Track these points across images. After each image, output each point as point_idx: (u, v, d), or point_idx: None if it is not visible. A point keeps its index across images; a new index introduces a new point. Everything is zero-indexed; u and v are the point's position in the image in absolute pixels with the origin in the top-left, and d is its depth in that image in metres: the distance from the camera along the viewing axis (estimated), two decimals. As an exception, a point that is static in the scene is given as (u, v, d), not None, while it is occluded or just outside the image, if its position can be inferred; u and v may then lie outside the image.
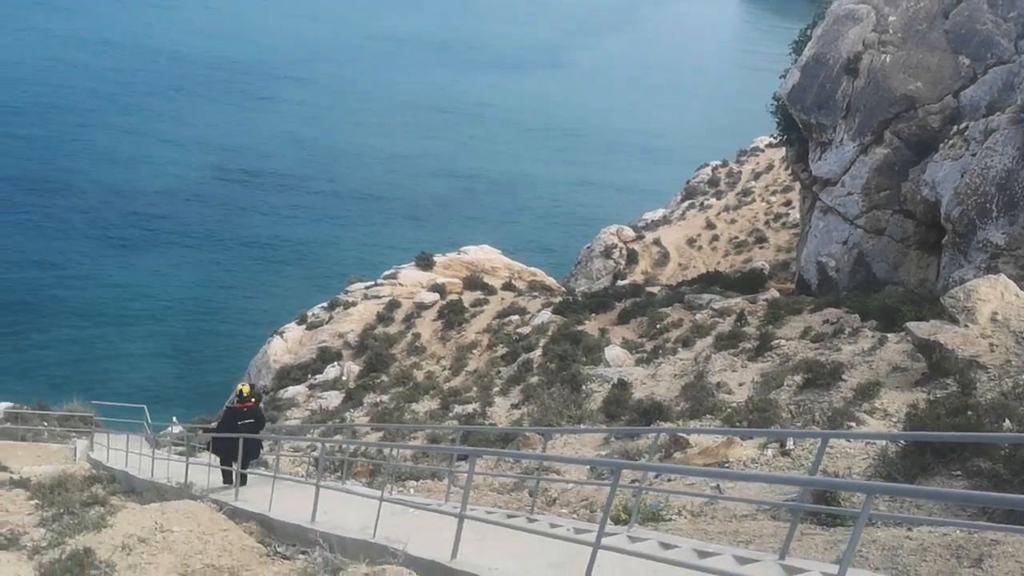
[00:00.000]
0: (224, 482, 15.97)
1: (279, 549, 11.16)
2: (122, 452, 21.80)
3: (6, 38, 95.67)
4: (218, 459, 16.37)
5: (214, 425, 17.93)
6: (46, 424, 28.48)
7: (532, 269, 41.01)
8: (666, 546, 8.67)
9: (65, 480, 19.05)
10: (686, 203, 58.76)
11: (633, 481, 13.38)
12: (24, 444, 25.40)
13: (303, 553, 10.86)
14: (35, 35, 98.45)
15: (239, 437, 15.07)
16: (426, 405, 27.86)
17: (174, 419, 29.66)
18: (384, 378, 31.69)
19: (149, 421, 25.65)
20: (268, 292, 58.23)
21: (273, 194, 74.11)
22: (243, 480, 15.52)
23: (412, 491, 15.21)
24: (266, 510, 12.68)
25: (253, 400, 16.44)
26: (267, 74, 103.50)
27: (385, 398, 29.60)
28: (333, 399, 31.13)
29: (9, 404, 30.27)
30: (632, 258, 46.71)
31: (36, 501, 16.91)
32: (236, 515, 12.78)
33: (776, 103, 32.24)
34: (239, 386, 16.88)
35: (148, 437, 24.77)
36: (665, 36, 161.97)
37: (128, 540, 10.30)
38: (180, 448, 23.38)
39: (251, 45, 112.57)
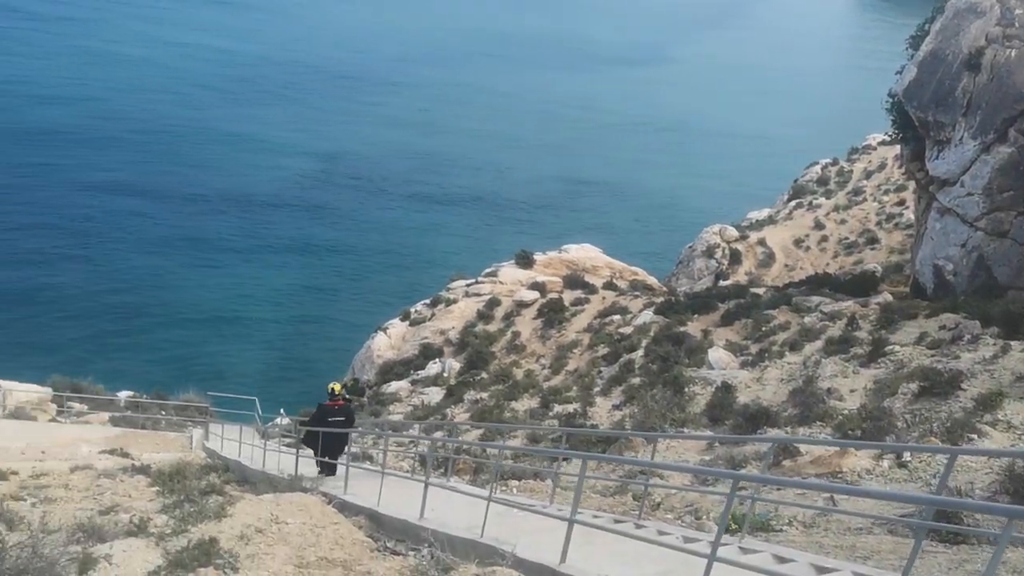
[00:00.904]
0: (320, 472, 16.86)
1: (388, 544, 11.34)
2: (235, 442, 22.53)
3: (120, 48, 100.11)
4: (310, 451, 17.32)
5: (308, 420, 18.65)
6: (163, 413, 29.74)
7: (633, 268, 40.65)
8: (781, 559, 8.45)
9: (183, 468, 19.85)
10: (793, 202, 57.26)
11: (742, 489, 13.11)
12: (144, 432, 26.54)
13: (412, 550, 11.01)
14: (142, 44, 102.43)
15: (329, 432, 16.07)
16: (525, 403, 27.94)
17: (281, 411, 30.52)
18: (484, 375, 31.95)
19: (260, 413, 26.47)
20: (372, 290, 59.49)
21: (377, 196, 75.57)
22: (332, 471, 16.52)
23: (515, 491, 15.26)
24: (375, 505, 12.90)
25: (343, 398, 17.06)
26: (373, 78, 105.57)
27: (485, 395, 29.84)
28: (434, 395, 31.56)
29: (129, 393, 31.72)
30: (735, 258, 45.80)
31: (157, 488, 17.69)
32: (345, 508, 13.04)
33: (891, 100, 31.05)
34: (330, 385, 17.41)
35: (259, 428, 25.56)
36: (773, 32, 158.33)
37: (246, 530, 10.63)
38: (288, 440, 24.07)
39: (356, 49, 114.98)
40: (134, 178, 70.17)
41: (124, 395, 31.18)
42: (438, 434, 23.66)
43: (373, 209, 72.94)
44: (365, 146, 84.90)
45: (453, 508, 12.42)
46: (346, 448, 17.68)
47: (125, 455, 23.06)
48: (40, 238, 58.41)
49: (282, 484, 15.82)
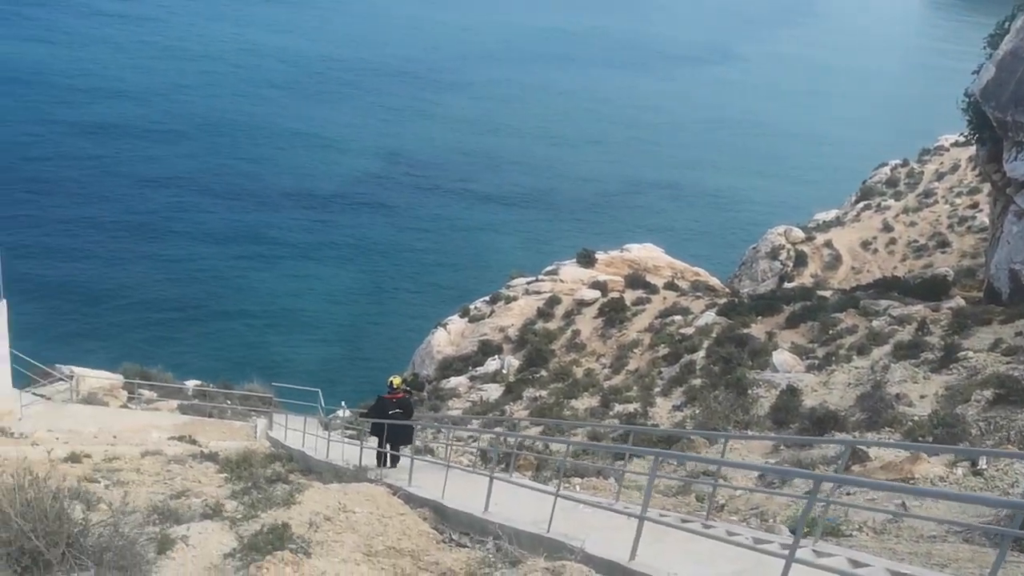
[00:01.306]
0: (377, 463, 17.20)
1: (453, 536, 11.41)
2: (298, 433, 22.89)
3: (187, 45, 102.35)
4: (375, 440, 17.64)
5: (366, 410, 19.22)
6: (228, 402, 30.33)
7: (695, 269, 40.27)
8: (856, 563, 8.28)
9: (249, 456, 20.25)
10: (861, 204, 56.07)
11: (807, 493, 12.89)
12: (210, 420, 27.12)
13: (477, 542, 11.05)
14: (208, 42, 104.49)
15: (391, 423, 16.53)
16: (585, 402, 27.90)
17: (343, 403, 30.86)
18: (543, 373, 31.96)
19: (323, 405, 26.83)
20: (431, 286, 59.93)
21: (437, 193, 76.08)
22: (394, 462, 16.95)
23: (578, 488, 15.23)
24: (439, 497, 12.99)
25: (402, 391, 17.38)
26: (437, 76, 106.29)
27: (544, 393, 29.84)
28: (493, 391, 31.67)
29: (196, 382, 32.42)
30: (800, 260, 45.06)
31: (225, 475, 18.08)
32: (410, 500, 13.15)
33: (967, 100, 30.22)
34: (390, 378, 17.69)
35: (321, 419, 25.91)
36: (842, 31, 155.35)
37: (315, 518, 10.78)
38: (350, 432, 24.36)
39: (422, 47, 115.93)
40: (199, 172, 71.72)
41: (191, 384, 31.89)
42: (497, 429, 23.75)
43: (433, 206, 73.46)
44: (426, 144, 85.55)
45: (517, 503, 12.44)
46: (410, 440, 17.91)
47: (193, 442, 23.60)
48: (108, 230, 60.10)
49: (347, 474, 16.02)
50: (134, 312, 51.82)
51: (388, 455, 16.86)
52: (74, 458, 19.13)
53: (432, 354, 36.15)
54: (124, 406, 27.81)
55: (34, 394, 27.04)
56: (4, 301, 24.17)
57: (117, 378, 30.00)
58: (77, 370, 29.30)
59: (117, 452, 20.80)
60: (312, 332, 54.36)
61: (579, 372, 31.29)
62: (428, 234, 68.27)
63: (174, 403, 29.01)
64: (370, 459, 17.48)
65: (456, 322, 37.97)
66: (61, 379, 28.65)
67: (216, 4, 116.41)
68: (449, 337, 36.86)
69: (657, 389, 27.36)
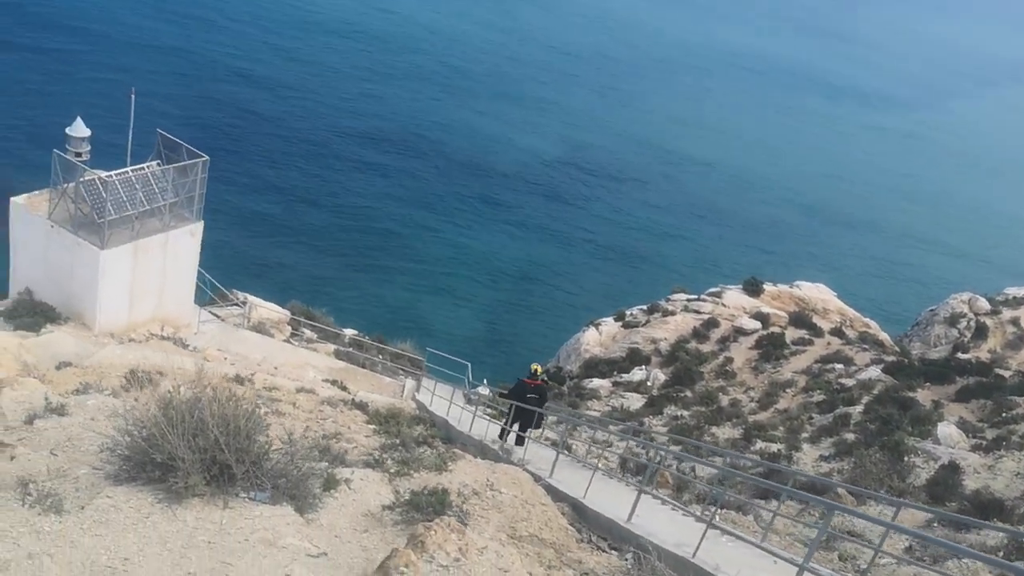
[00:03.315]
0: (500, 437, 18.27)
1: (592, 538, 11.41)
2: (444, 401, 23.43)
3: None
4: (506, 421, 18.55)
5: (506, 393, 20.22)
6: (381, 357, 31.37)
7: (866, 320, 38.47)
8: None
9: (397, 414, 20.90)
10: (1059, 285, 51.92)
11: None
12: (361, 371, 28.14)
13: (614, 549, 11.01)
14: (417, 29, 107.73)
15: (524, 407, 17.34)
16: (727, 432, 27.26)
17: (484, 381, 31.38)
18: (688, 393, 31.43)
19: (470, 379, 27.34)
20: (589, 283, 59.97)
21: (612, 191, 75.93)
22: (521, 442, 17.68)
23: (717, 517, 14.91)
24: (580, 496, 13.02)
25: (541, 379, 18.29)
26: (636, 72, 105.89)
27: (686, 414, 29.36)
28: (634, 401, 31.41)
29: (355, 332, 33.69)
30: (981, 332, 42.19)
31: (374, 426, 18.73)
32: (550, 492, 13.24)
33: None
34: (533, 365, 18.59)
35: (466, 392, 26.42)
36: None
37: (463, 489, 11.02)
38: (490, 411, 24.74)
39: (626, 42, 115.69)
40: (391, 131, 74.39)
41: (349, 332, 33.14)
42: (640, 440, 23.55)
43: (606, 203, 73.37)
44: (613, 139, 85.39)
45: (658, 519, 12.32)
46: (538, 425, 18.50)
47: (344, 388, 24.55)
48: (308, 173, 63.55)
49: (490, 452, 16.31)
50: (309, 252, 54.51)
51: (516, 434, 17.80)
52: (239, 380, 20.23)
53: (580, 351, 36.18)
54: (287, 341, 29.24)
55: (211, 312, 28.87)
56: (201, 222, 25.90)
57: (284, 313, 31.57)
58: (251, 298, 31.04)
59: (276, 383, 21.87)
60: (465, 304, 55.52)
61: (725, 400, 30.58)
62: (596, 230, 68.28)
63: (331, 347, 30.25)
64: (494, 434, 18.31)
65: (609, 324, 37.84)
66: (236, 304, 30.44)
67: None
68: (599, 338, 36.79)
69: (805, 434, 26.40)
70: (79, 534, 6.85)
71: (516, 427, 17.83)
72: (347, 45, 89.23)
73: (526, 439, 17.58)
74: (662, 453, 17.09)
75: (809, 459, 24.15)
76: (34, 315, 22.76)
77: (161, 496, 7.67)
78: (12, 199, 23.64)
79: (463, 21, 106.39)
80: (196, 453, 7.79)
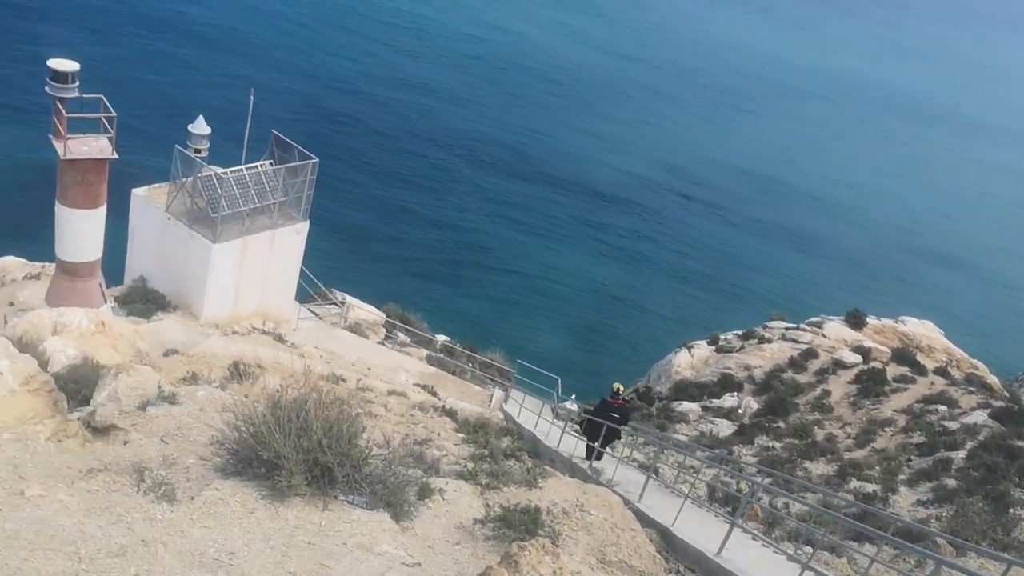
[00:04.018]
0: (586, 456, 18.58)
1: (680, 569, 11.21)
2: (532, 414, 23.41)
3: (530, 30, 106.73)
4: (587, 437, 19.16)
5: (590, 409, 20.63)
6: (471, 365, 31.58)
7: (974, 361, 36.84)
8: None
9: (485, 423, 21.00)
10: None
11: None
12: (451, 378, 28.39)
13: (704, 583, 10.80)
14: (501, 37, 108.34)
15: (606, 424, 17.92)
16: (820, 467, 26.49)
17: (573, 397, 31.23)
18: (781, 424, 30.66)
19: (559, 393, 27.25)
20: (682, 304, 59.25)
21: (710, 214, 74.88)
22: (599, 456, 18.26)
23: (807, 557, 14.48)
24: (669, 523, 12.82)
25: (623, 399, 19.00)
26: (742, 95, 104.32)
27: (778, 445, 28.64)
28: (724, 428, 30.82)
29: (446, 338, 34.02)
30: (1097, 383, 39.98)
31: (463, 435, 18.85)
32: (639, 516, 13.07)
33: None
34: (615, 384, 19.21)
35: (554, 407, 26.35)
36: None
37: (552, 507, 10.96)
38: (578, 428, 24.62)
39: (740, 65, 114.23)
40: (493, 139, 75.13)
41: (441, 338, 33.48)
42: (729, 468, 23.09)
43: (703, 225, 72.41)
44: (713, 162, 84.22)
45: (748, 554, 12.03)
46: (617, 440, 19.03)
47: (433, 394, 24.80)
48: (403, 177, 64.66)
49: (578, 471, 16.22)
50: (407, 258, 55.42)
51: (596, 449, 18.29)
52: (333, 378, 20.64)
53: (670, 373, 35.72)
54: (381, 343, 29.76)
55: (310, 310, 29.63)
56: (307, 221, 26.63)
57: (380, 315, 32.13)
58: (349, 299, 31.72)
59: (369, 384, 22.23)
60: (555, 317, 55.48)
61: (820, 434, 29.70)
62: (691, 252, 67.41)
63: (423, 352, 30.63)
64: (582, 451, 18.69)
65: (702, 348, 37.24)
66: (334, 303, 31.17)
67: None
68: (691, 361, 36.24)
69: (903, 477, 25.41)
70: (189, 524, 7.08)
71: (597, 443, 18.48)
72: (449, 61, 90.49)
73: (603, 454, 18.27)
74: (754, 483, 16.68)
75: (906, 503, 23.24)
76: (146, 302, 23.79)
77: (265, 493, 7.87)
78: (134, 190, 24.78)
79: (565, 39, 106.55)
80: (300, 454, 7.97)
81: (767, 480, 22.73)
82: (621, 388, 19.22)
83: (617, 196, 72.67)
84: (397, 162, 66.46)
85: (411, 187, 63.94)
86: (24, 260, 27.60)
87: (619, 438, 19.26)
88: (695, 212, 74.14)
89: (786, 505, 18.48)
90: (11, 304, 22.63)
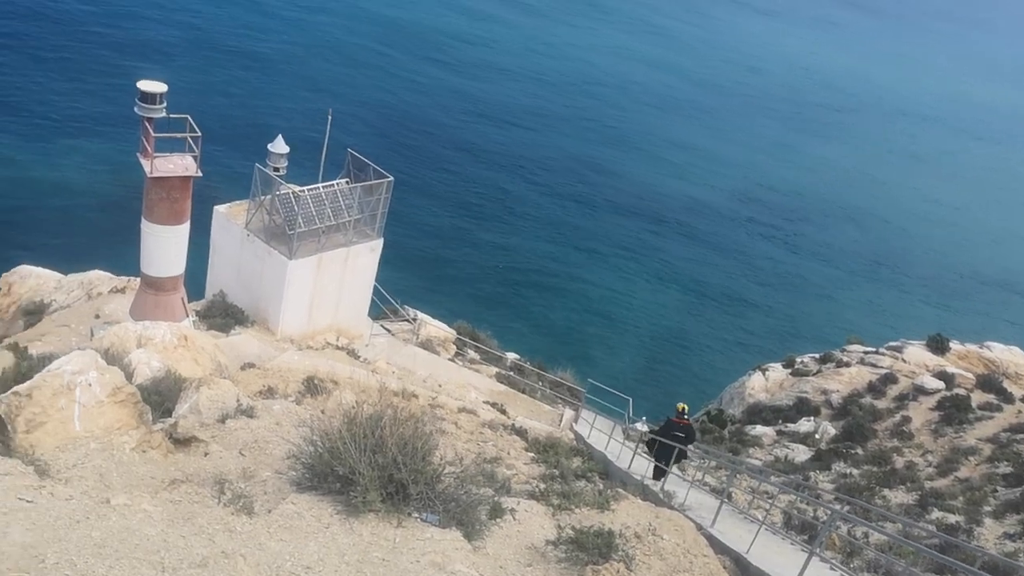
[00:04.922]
0: (654, 476, 18.49)
1: (755, 598, 10.95)
2: (602, 435, 23.23)
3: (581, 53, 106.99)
4: (654, 457, 19.10)
5: (656, 429, 20.71)
6: (541, 384, 31.53)
7: (1065, 390, 35.27)
8: None
9: (555, 443, 20.93)
10: None
11: None
12: (522, 396, 28.37)
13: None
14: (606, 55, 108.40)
15: (669, 444, 17.90)
16: (900, 496, 25.66)
17: (644, 418, 30.89)
18: (859, 451, 29.82)
19: (630, 415, 27.01)
20: (756, 327, 58.28)
21: (784, 235, 73.56)
22: (663, 475, 18.13)
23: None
24: (744, 551, 12.53)
25: (687, 418, 19.02)
26: (817, 118, 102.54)
27: (856, 472, 27.85)
28: (799, 453, 30.10)
29: (516, 356, 34.05)
30: None
31: (532, 454, 18.81)
32: (712, 542, 12.82)
33: None
34: (679, 405, 19.22)
35: (625, 427, 26.11)
36: None
37: (624, 531, 10.81)
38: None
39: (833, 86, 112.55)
40: (566, 161, 75.25)
41: (511, 356, 33.52)
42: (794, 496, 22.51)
43: (776, 247, 71.25)
44: (785, 186, 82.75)
45: (827, 585, 11.68)
46: (680, 460, 18.89)
47: (503, 412, 24.83)
48: (476, 196, 65.22)
49: (651, 494, 16.00)
50: (478, 276, 55.78)
51: (660, 468, 18.36)
52: (405, 395, 20.79)
53: (744, 396, 35.08)
54: (452, 359, 29.93)
55: (383, 326, 29.98)
56: (381, 239, 27.00)
57: (451, 332, 32.34)
58: (421, 315, 32.00)
59: (440, 400, 22.39)
60: (625, 337, 55.11)
61: (900, 461, 28.78)
62: (765, 273, 66.33)
63: (493, 369, 30.69)
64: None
65: (777, 370, 36.49)
66: (406, 320, 31.49)
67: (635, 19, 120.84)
68: (766, 384, 35.54)
69: (988, 508, 24.43)
70: (267, 537, 7.19)
71: (662, 463, 18.58)
72: (518, 84, 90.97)
73: (668, 472, 18.17)
74: (832, 511, 16.22)
75: (991, 535, 22.36)
76: (225, 316, 24.39)
77: (340, 508, 7.94)
78: (215, 207, 25.49)
79: (630, 62, 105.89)
80: (375, 470, 8.03)
81: (845, 508, 22.13)
82: (686, 408, 19.24)
83: (685, 219, 71.96)
84: (466, 184, 67.05)
85: (480, 209, 64.42)
86: (110, 274, 28.59)
87: (685, 458, 19.16)
88: (765, 235, 72.89)
89: (865, 535, 17.93)
90: (97, 316, 23.42)
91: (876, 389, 33.10)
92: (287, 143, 24.46)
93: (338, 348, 25.69)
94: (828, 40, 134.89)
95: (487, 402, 25.50)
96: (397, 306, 31.47)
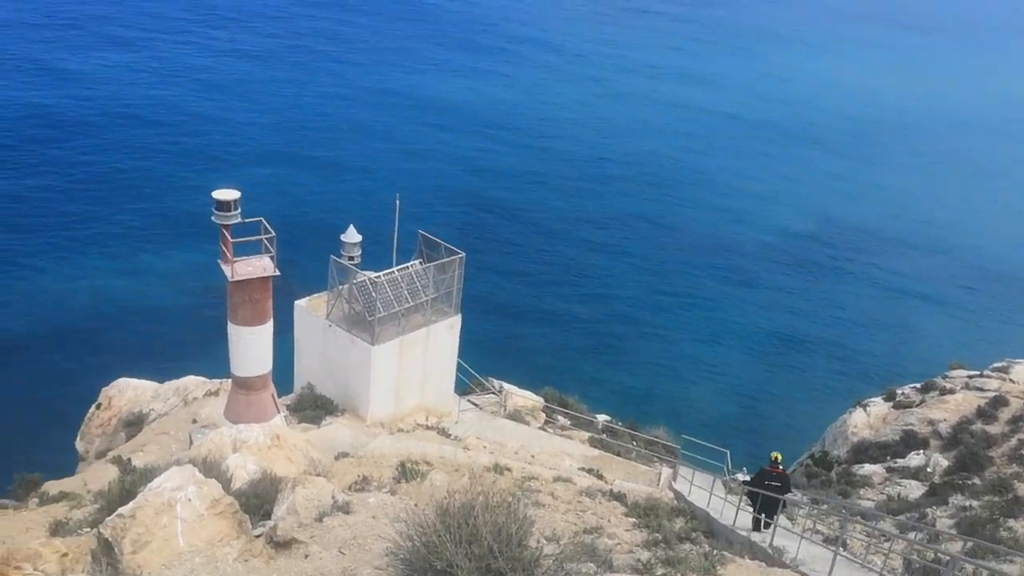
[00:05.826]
0: (753, 528, 18.22)
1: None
2: (703, 491, 22.63)
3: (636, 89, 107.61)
4: (752, 507, 18.90)
5: (751, 478, 20.47)
6: (635, 444, 31.02)
7: None
8: None
9: (656, 505, 20.45)
10: None
11: None
12: (617, 459, 27.92)
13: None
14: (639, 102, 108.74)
15: (767, 494, 17.79)
16: (1028, 526, 24.23)
17: (744, 469, 30.04)
18: (976, 481, 28.35)
19: (729, 467, 26.33)
20: (851, 362, 56.61)
21: (870, 261, 71.65)
22: (765, 527, 17.86)
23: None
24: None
25: (781, 467, 18.91)
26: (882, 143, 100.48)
27: (976, 504, 26.43)
28: (913, 489, 28.80)
29: (607, 417, 33.66)
30: None
31: (633, 519, 18.39)
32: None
33: None
34: (773, 453, 19.20)
35: (726, 481, 25.41)
36: None
37: (735, 596, 10.44)
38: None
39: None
40: (634, 211, 75.12)
41: (602, 418, 33.15)
42: (912, 535, 21.43)
43: (862, 273, 69.45)
44: (862, 212, 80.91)
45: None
46: (779, 509, 18.16)
47: (600, 477, 24.42)
48: (547, 258, 65.41)
49: (758, 550, 15.45)
50: (558, 338, 55.62)
51: (763, 521, 18.09)
52: (498, 469, 20.67)
53: (847, 435, 33.88)
54: (542, 428, 29.73)
55: (470, 401, 30.06)
56: (459, 315, 27.25)
57: (538, 400, 32.21)
58: (506, 386, 32.01)
59: (534, 472, 22.13)
60: (714, 383, 54.04)
61: (1022, 488, 27.25)
62: (854, 301, 64.55)
63: (585, 434, 30.35)
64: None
65: (878, 404, 35.20)
66: (492, 392, 31.51)
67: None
68: (868, 420, 34.29)
69: None
70: (371, 640, 7.15)
71: (763, 515, 18.34)
72: (577, 132, 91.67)
73: (771, 524, 17.78)
74: (951, 556, 15.37)
75: None
76: (315, 408, 24.81)
77: (441, 603, 7.86)
78: (296, 302, 26.17)
79: (698, 111, 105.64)
80: (472, 561, 7.95)
81: (968, 544, 20.95)
82: (779, 457, 19.13)
83: (768, 253, 70.82)
84: (538, 242, 67.32)
85: (554, 266, 64.52)
86: (203, 378, 29.46)
87: (783, 507, 18.82)
88: (850, 259, 71.15)
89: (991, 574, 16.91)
90: (194, 421, 24.09)
91: (986, 414, 31.61)
92: (358, 231, 25.07)
93: (428, 428, 25.79)
94: (891, 63, 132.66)
95: (582, 468, 25.12)
96: (482, 379, 31.56)
